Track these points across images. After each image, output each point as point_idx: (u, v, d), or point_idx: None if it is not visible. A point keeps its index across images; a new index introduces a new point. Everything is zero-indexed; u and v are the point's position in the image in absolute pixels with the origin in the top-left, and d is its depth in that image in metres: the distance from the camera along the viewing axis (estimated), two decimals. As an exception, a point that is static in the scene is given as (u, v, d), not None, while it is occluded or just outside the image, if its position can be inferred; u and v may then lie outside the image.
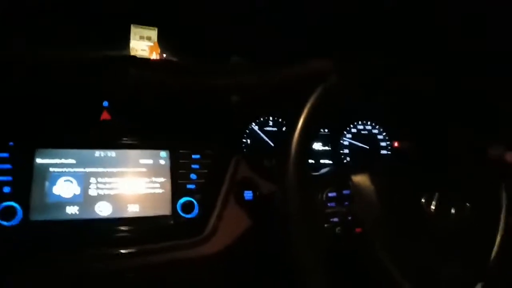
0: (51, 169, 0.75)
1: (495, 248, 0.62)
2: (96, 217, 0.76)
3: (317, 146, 1.05)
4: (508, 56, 0.72)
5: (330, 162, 1.05)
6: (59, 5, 0.76)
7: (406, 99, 0.84)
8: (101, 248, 0.73)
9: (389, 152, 1.08)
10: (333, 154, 1.05)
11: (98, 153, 0.79)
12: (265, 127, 1.02)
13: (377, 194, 0.66)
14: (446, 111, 0.88)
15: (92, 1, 0.78)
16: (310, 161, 1.03)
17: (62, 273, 0.72)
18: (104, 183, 0.78)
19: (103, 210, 0.77)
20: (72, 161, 0.77)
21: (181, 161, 0.84)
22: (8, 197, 0.72)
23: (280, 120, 1.03)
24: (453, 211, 0.64)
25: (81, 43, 0.79)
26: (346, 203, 0.67)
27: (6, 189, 0.72)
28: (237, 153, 0.90)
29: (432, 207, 0.64)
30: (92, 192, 0.77)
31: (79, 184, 0.76)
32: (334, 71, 0.61)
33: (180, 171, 0.83)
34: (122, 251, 0.74)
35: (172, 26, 0.85)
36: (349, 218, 0.67)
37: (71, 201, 0.75)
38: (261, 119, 1.02)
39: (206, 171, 0.85)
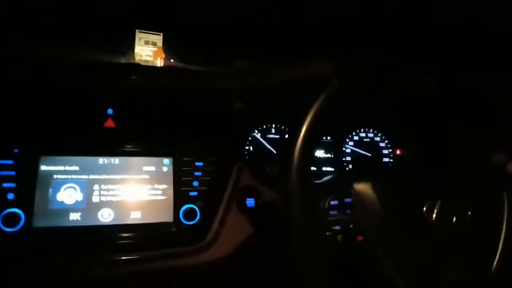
0: (55, 176, 0.76)
1: (497, 256, 0.62)
2: (99, 223, 0.76)
3: (320, 153, 1.05)
4: (508, 56, 0.72)
5: (332, 169, 1.05)
6: (64, 8, 0.77)
7: (406, 99, 0.84)
8: (103, 254, 0.74)
9: (391, 160, 1.08)
10: (335, 161, 1.06)
11: (101, 160, 0.80)
12: (267, 134, 1.03)
13: (379, 202, 0.66)
14: (446, 111, 0.88)
15: (97, 7, 0.78)
16: (312, 168, 1.04)
17: (64, 279, 0.72)
18: (107, 190, 0.78)
19: (106, 216, 0.77)
20: (76, 168, 0.78)
21: (184, 168, 0.84)
22: (11, 204, 0.72)
23: (282, 127, 1.04)
24: (454, 219, 0.64)
25: (85, 49, 0.79)
26: (348, 211, 0.67)
27: (10, 196, 0.72)
28: (240, 160, 0.90)
29: (434, 215, 0.64)
30: (95, 198, 0.77)
31: (82, 190, 0.77)
32: (335, 74, 0.61)
33: (183, 178, 0.83)
34: (124, 257, 0.74)
35: (177, 31, 0.86)
36: (351, 226, 0.67)
37: (74, 208, 0.76)
38: (264, 126, 1.03)
39: (208, 178, 0.85)
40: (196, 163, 0.85)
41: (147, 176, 0.81)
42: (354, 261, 0.71)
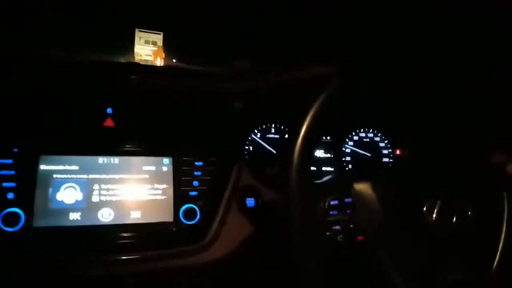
0: (54, 176, 0.76)
1: (497, 256, 0.62)
2: (99, 223, 0.76)
3: (319, 153, 1.05)
4: (508, 56, 0.72)
5: (332, 169, 1.05)
6: (63, 8, 0.77)
7: (406, 99, 0.84)
8: (103, 254, 0.74)
9: (391, 160, 1.08)
10: (335, 161, 1.06)
11: (101, 159, 0.80)
12: (267, 134, 1.03)
13: (379, 202, 0.66)
14: (446, 111, 0.89)
15: (96, 6, 0.78)
16: (312, 168, 1.04)
17: (64, 279, 0.72)
18: (107, 190, 0.78)
19: (106, 216, 0.77)
20: (76, 167, 0.78)
21: (183, 168, 0.84)
22: (11, 203, 0.72)
23: (282, 127, 1.04)
24: (454, 219, 0.64)
25: (85, 48, 0.79)
26: (348, 211, 0.67)
27: (10, 195, 0.72)
28: (240, 160, 0.91)
29: (434, 215, 0.64)
30: (95, 198, 0.77)
31: (82, 190, 0.77)
32: (335, 74, 0.61)
33: (183, 178, 0.83)
34: (124, 257, 0.74)
35: (178, 31, 0.85)
36: (351, 226, 0.67)
37: (74, 207, 0.76)
38: (264, 126, 1.03)
39: (208, 178, 0.85)
40: (196, 163, 0.85)
41: (147, 176, 0.81)
42: (354, 261, 0.71)
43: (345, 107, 0.71)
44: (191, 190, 0.83)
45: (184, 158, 0.85)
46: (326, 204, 0.67)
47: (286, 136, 1.04)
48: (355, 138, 1.08)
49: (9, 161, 0.74)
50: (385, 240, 0.65)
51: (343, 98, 0.62)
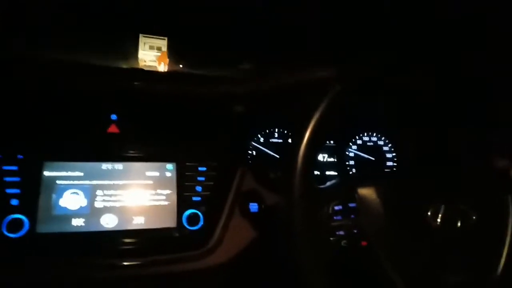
0: (58, 182, 0.76)
1: (502, 261, 0.62)
2: (102, 229, 0.76)
3: (323, 157, 1.05)
4: (508, 56, 0.71)
5: (336, 173, 1.05)
6: (66, 13, 0.77)
7: (406, 99, 0.84)
8: (107, 259, 0.74)
9: (394, 164, 1.08)
10: (339, 165, 1.05)
11: (105, 165, 0.80)
12: (270, 139, 1.03)
13: (383, 207, 0.65)
14: (446, 111, 0.88)
15: (100, 12, 0.79)
16: (316, 172, 1.03)
17: (68, 285, 0.72)
18: (110, 195, 0.78)
19: (109, 222, 0.77)
20: (80, 173, 0.78)
21: (187, 173, 0.84)
22: (15, 210, 0.72)
23: (285, 132, 1.04)
24: (459, 223, 0.63)
25: (89, 54, 0.80)
26: (352, 216, 0.67)
27: (14, 202, 0.73)
28: (243, 165, 0.90)
29: (438, 219, 0.63)
30: (98, 204, 0.77)
31: (86, 196, 0.77)
32: (337, 78, 0.61)
33: (186, 183, 0.83)
34: (128, 263, 0.74)
35: (182, 35, 0.86)
36: (355, 231, 0.67)
37: (78, 213, 0.76)
38: (267, 131, 1.03)
39: (211, 183, 0.85)
40: (199, 168, 0.85)
41: (150, 182, 0.81)
42: (358, 266, 0.71)
43: (348, 110, 0.71)
44: (195, 196, 0.83)
45: (187, 164, 0.85)
46: (330, 209, 0.66)
47: (289, 140, 1.04)
48: (359, 142, 1.08)
49: (14, 167, 0.74)
50: (389, 244, 0.64)
51: (345, 101, 0.61)
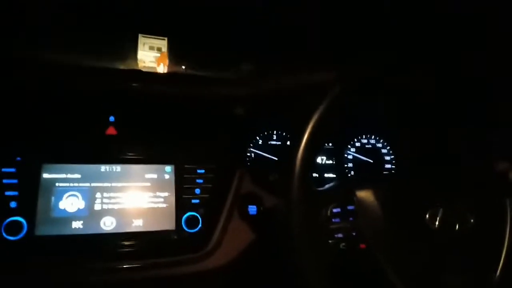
0: (57, 184, 0.76)
1: (500, 264, 0.62)
2: (101, 231, 0.76)
3: (321, 160, 1.05)
4: (508, 56, 0.72)
5: (334, 176, 1.05)
6: (64, 14, 0.77)
7: (406, 99, 0.84)
8: (106, 262, 0.74)
9: (393, 166, 1.08)
10: (337, 168, 1.05)
11: (103, 168, 0.80)
12: (269, 141, 1.03)
13: (381, 209, 0.65)
14: (446, 111, 0.88)
15: (100, 12, 0.78)
16: (314, 175, 1.03)
17: (67, 287, 0.72)
18: (109, 198, 0.78)
19: (108, 224, 0.77)
20: (78, 176, 0.78)
21: (185, 175, 0.84)
22: (14, 212, 0.72)
23: (284, 134, 1.04)
24: (457, 226, 0.64)
25: (87, 56, 0.79)
26: (351, 218, 0.67)
27: (13, 204, 0.73)
28: (241, 167, 0.90)
29: (437, 222, 0.64)
30: (97, 206, 0.77)
31: (84, 198, 0.77)
32: (336, 79, 0.61)
33: (185, 185, 0.83)
34: (126, 265, 0.74)
35: (182, 35, 0.85)
36: (354, 233, 0.67)
37: (76, 216, 0.76)
38: (265, 133, 1.03)
39: (210, 185, 0.85)
40: (198, 170, 0.85)
41: (148, 184, 0.81)
42: (356, 269, 0.71)
43: (348, 111, 0.71)
44: (193, 198, 0.83)
45: (186, 166, 0.85)
46: (329, 211, 0.66)
47: (288, 142, 1.04)
48: (357, 144, 1.08)
49: (12, 169, 0.74)
50: (387, 247, 0.64)
51: (345, 102, 0.62)
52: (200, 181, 0.85)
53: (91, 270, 0.73)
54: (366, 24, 0.84)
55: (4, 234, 0.70)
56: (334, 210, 0.66)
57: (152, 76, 0.83)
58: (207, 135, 0.91)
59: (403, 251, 0.64)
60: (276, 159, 1.01)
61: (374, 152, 1.08)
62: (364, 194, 0.67)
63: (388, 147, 1.09)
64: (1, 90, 0.75)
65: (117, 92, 0.83)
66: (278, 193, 0.85)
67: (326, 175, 1.04)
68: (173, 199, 0.82)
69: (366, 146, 1.08)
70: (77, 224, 0.75)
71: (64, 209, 0.75)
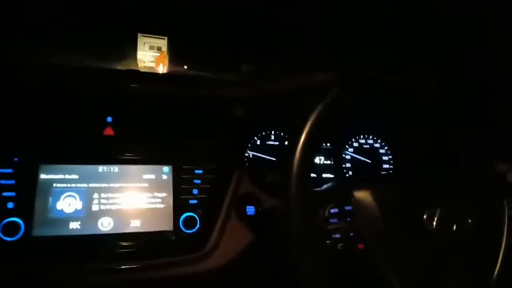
0: (54, 185, 0.76)
1: (497, 265, 0.62)
2: (98, 232, 0.76)
3: (319, 160, 1.05)
4: (508, 56, 0.72)
5: (332, 176, 1.05)
6: (63, 14, 0.77)
7: (406, 99, 0.84)
8: (103, 263, 0.73)
9: (391, 166, 1.08)
10: (335, 168, 1.05)
11: (101, 168, 0.80)
12: (267, 141, 1.03)
13: (379, 210, 0.65)
14: (446, 111, 0.88)
15: (99, 11, 0.78)
16: (312, 175, 1.03)
17: (64, 288, 0.72)
18: (107, 199, 0.78)
19: (106, 225, 0.77)
20: (75, 176, 0.78)
21: (183, 176, 0.84)
22: (11, 213, 0.72)
23: (282, 134, 1.04)
24: (455, 227, 0.64)
25: (86, 56, 0.79)
26: (348, 219, 0.67)
27: (10, 205, 0.72)
28: (239, 167, 0.90)
29: (434, 223, 0.64)
30: (95, 207, 0.77)
31: (82, 199, 0.77)
32: (335, 80, 0.61)
33: (182, 186, 0.83)
34: (124, 266, 0.74)
35: (182, 34, 0.85)
36: (351, 234, 0.67)
37: (74, 217, 0.75)
38: (263, 133, 1.03)
39: (208, 186, 0.85)
40: (196, 171, 0.85)
41: (146, 184, 0.81)
42: (354, 269, 0.71)
43: (348, 111, 0.70)
44: (191, 199, 0.83)
45: (183, 166, 0.85)
46: (326, 212, 0.66)
47: (286, 143, 1.04)
48: (355, 144, 1.08)
49: (9, 170, 0.74)
50: (385, 247, 0.64)
51: (344, 102, 0.62)
52: (198, 181, 0.84)
53: (89, 271, 0.72)
54: (366, 24, 0.84)
55: (1, 235, 0.70)
56: (332, 211, 0.66)
57: (150, 76, 0.83)
58: (205, 136, 0.91)
59: (401, 252, 0.64)
60: (274, 159, 1.01)
61: (372, 152, 1.08)
62: (362, 195, 0.67)
63: (386, 147, 1.09)
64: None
65: (115, 93, 0.83)
66: (276, 194, 0.85)
67: (324, 175, 1.04)
68: (171, 199, 0.81)
69: (364, 146, 1.08)
70: (74, 225, 0.75)
71: (62, 209, 0.75)
